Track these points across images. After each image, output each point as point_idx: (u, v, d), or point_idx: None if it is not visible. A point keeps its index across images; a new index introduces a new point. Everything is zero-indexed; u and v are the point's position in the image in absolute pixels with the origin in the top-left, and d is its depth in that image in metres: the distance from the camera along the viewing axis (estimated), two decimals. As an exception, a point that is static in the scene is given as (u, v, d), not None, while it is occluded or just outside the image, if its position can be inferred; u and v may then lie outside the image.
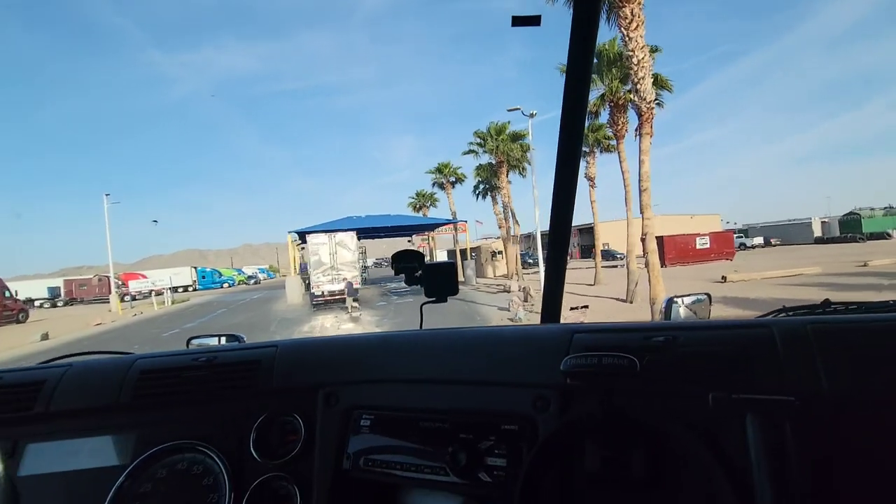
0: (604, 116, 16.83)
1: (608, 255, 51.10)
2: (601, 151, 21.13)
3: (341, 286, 21.33)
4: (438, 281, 1.39)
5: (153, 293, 32.47)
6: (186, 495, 1.02)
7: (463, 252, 35.06)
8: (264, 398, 1.12)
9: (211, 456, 1.04)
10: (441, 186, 36.29)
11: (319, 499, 1.00)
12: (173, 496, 1.01)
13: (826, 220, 48.08)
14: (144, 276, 51.91)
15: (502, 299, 17.61)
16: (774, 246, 46.86)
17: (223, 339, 1.67)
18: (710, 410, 0.74)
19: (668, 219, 54.57)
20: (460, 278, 32.19)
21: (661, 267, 26.88)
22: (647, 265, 11.24)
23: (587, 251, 61.93)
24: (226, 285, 57.78)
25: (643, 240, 11.16)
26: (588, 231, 66.29)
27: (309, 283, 21.28)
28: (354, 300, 18.58)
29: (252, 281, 64.01)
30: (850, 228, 44.60)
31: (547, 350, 0.97)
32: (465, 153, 25.63)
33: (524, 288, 15.55)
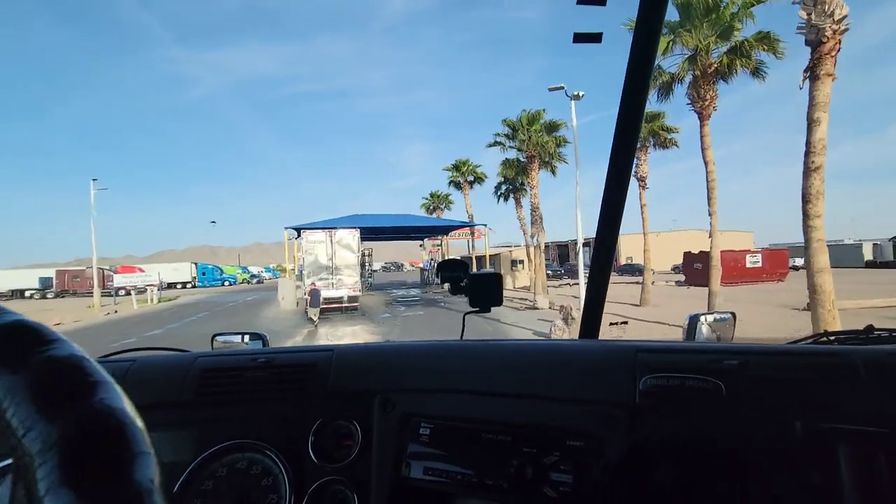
0: (675, 99, 13.37)
1: (633, 269, 47.39)
2: (655, 147, 17.72)
3: (341, 292, 18.16)
4: (483, 291, 1.35)
5: (137, 289, 29.51)
6: (246, 494, 1.01)
7: (480, 260, 31.72)
8: (320, 401, 1.12)
9: (271, 456, 1.03)
10: (458, 186, 32.88)
11: None
12: (234, 494, 1.01)
13: (878, 242, 43.84)
14: (142, 270, 49.74)
15: (531, 319, 14.32)
16: (819, 268, 42.62)
17: (247, 338, 1.61)
18: (797, 439, 0.73)
19: (695, 234, 50.82)
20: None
21: (705, 286, 23.17)
22: (812, 290, 7.08)
23: (609, 265, 58.33)
24: (226, 283, 55.32)
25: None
26: (609, 244, 63.03)
27: (304, 288, 18.12)
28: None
29: (255, 280, 61.53)
30: (907, 253, 40.41)
31: (612, 368, 0.96)
32: (490, 145, 22.05)
33: (564, 308, 12.20)
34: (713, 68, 11.60)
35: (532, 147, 20.24)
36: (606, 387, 0.93)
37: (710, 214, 11.70)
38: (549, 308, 16.89)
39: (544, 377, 1.01)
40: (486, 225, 28.33)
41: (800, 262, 42.92)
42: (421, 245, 42.19)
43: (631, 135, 1.20)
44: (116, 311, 23.22)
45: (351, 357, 1.20)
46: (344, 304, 18.03)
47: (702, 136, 11.88)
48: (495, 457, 0.92)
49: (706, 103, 11.90)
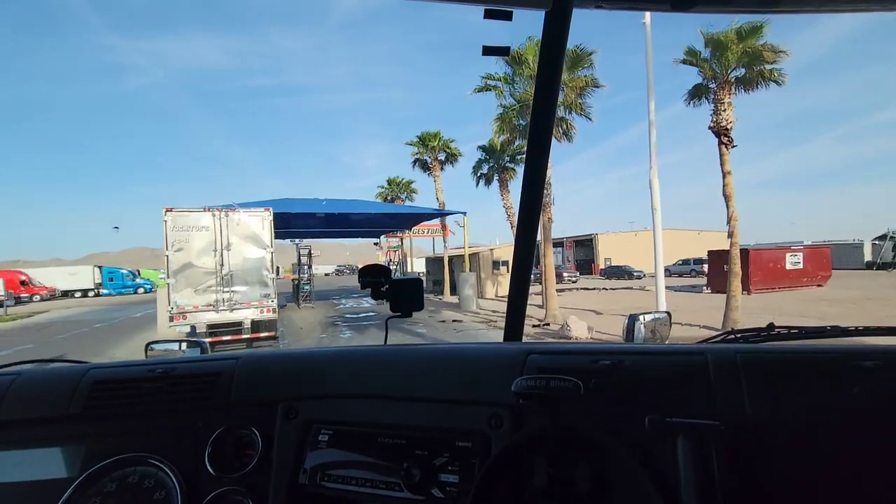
0: None
1: (621, 272, 42.12)
2: (744, 89, 11.53)
3: (241, 314, 10.79)
4: (404, 296, 1.39)
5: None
6: None
7: (453, 260, 24.84)
8: (222, 411, 1.10)
9: (164, 469, 1.01)
10: (425, 167, 25.93)
11: None
12: None
13: (877, 242, 40.70)
14: (25, 275, 39.71)
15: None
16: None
17: (184, 345, 1.58)
18: (646, 432, 0.79)
19: (673, 233, 46.45)
20: (453, 300, 21.68)
21: (744, 293, 17.43)
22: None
23: (585, 266, 53.33)
24: (141, 290, 45.55)
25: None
26: (583, 244, 58.28)
27: (171, 307, 10.62)
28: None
29: (179, 285, 51.84)
30: (911, 253, 37.19)
31: (503, 370, 1.00)
32: (479, 89, 14.76)
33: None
34: None
35: (543, 93, 13.65)
36: (496, 388, 0.96)
37: None
38: (590, 339, 10.32)
39: (440, 380, 1.05)
40: (465, 213, 21.59)
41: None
42: (376, 244, 34.94)
43: (545, 137, 1.22)
44: None
45: (256, 365, 1.18)
46: (246, 336, 10.68)
47: None
48: (389, 460, 0.94)
49: None
